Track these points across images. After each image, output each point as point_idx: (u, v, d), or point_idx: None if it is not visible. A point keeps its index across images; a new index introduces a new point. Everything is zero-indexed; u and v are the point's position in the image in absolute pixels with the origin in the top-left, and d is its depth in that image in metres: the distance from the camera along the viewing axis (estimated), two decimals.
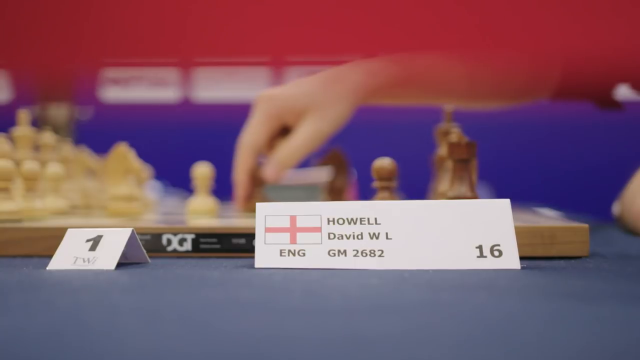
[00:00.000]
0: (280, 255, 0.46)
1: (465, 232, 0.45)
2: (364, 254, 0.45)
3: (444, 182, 0.65)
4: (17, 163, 0.61)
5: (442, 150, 0.70)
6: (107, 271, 0.44)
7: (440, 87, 0.84)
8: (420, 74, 0.83)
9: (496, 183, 1.23)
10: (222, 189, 0.86)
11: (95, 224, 0.56)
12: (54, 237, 0.52)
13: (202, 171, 0.75)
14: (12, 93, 1.76)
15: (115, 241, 0.46)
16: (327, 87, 0.78)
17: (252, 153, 0.76)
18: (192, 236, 0.53)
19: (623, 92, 0.89)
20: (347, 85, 0.78)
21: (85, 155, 0.89)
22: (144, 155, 0.84)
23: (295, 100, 0.77)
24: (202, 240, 0.53)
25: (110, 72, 1.83)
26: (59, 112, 1.34)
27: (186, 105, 1.83)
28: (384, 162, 0.55)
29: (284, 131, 0.78)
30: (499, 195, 0.60)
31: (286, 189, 0.98)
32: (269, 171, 0.75)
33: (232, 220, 0.63)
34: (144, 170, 0.89)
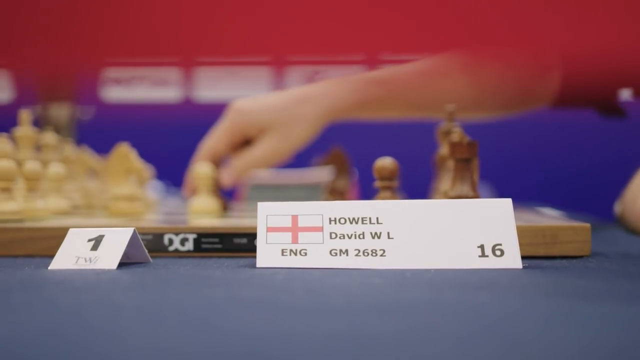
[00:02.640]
0: (282, 254, 0.46)
1: (466, 232, 0.45)
2: (366, 254, 0.45)
3: (445, 182, 0.65)
4: (19, 163, 0.61)
5: (444, 150, 0.70)
6: (109, 271, 0.44)
7: (430, 101, 0.85)
8: (404, 91, 0.84)
9: (497, 183, 1.23)
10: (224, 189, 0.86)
11: (97, 224, 0.56)
12: (56, 237, 0.52)
13: (204, 171, 0.74)
14: (14, 93, 1.76)
15: (117, 241, 0.46)
16: (294, 106, 0.80)
17: (209, 158, 0.80)
18: (194, 236, 0.53)
19: (625, 95, 0.89)
20: (315, 106, 0.80)
21: (87, 155, 0.89)
22: (145, 155, 0.84)
23: (260, 115, 0.80)
24: (203, 240, 0.53)
25: (112, 72, 1.84)
26: (61, 112, 1.34)
27: (188, 105, 1.83)
28: (385, 162, 0.55)
29: (248, 142, 0.81)
30: (501, 194, 0.60)
31: (269, 189, 0.98)
32: (225, 178, 0.80)
33: (233, 220, 0.63)
34: (146, 170, 0.89)
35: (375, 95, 0.82)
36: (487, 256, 0.45)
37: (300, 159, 1.08)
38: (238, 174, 0.80)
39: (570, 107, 0.90)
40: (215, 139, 0.81)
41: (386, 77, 0.84)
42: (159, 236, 0.53)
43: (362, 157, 0.84)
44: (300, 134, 0.80)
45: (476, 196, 0.54)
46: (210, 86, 1.85)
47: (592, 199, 1.22)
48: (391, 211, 0.47)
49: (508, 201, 0.47)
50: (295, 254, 0.46)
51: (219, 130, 0.81)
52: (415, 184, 0.87)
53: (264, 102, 0.81)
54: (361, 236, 0.46)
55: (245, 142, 0.81)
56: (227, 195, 0.85)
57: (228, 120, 0.80)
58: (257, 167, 0.81)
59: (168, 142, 1.65)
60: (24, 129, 0.68)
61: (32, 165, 0.62)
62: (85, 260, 0.46)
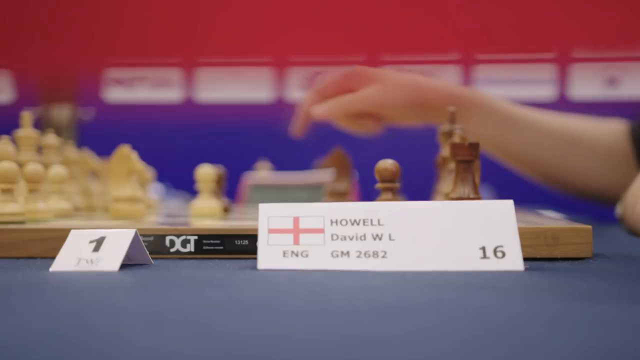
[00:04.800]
0: (284, 256, 0.46)
1: (468, 233, 0.45)
2: (367, 255, 0.45)
3: (446, 184, 0.65)
4: (20, 165, 0.61)
5: (445, 151, 0.69)
6: (111, 272, 0.44)
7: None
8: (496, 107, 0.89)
9: (499, 185, 1.23)
10: (228, 190, 0.86)
11: (98, 226, 0.56)
12: (57, 238, 0.52)
13: (206, 173, 0.74)
14: (15, 94, 1.76)
15: (118, 242, 0.46)
16: (404, 73, 0.89)
17: (316, 95, 0.86)
18: (195, 237, 0.53)
19: None
20: (422, 82, 0.88)
21: (88, 157, 0.89)
22: (146, 157, 0.84)
23: (371, 69, 0.88)
24: (205, 241, 0.53)
25: (113, 73, 1.83)
26: (62, 113, 1.34)
27: (189, 106, 1.83)
28: (387, 164, 0.55)
29: None
30: (502, 197, 0.60)
31: (270, 190, 0.98)
32: (317, 108, 0.85)
33: (235, 222, 0.63)
34: (147, 171, 0.89)
35: (468, 101, 0.87)
36: (489, 258, 0.45)
37: (302, 161, 1.08)
38: (330, 108, 0.84)
39: None
40: (327, 81, 0.86)
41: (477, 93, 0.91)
42: (160, 238, 0.53)
43: (363, 159, 0.84)
44: (399, 92, 0.85)
45: (477, 198, 0.54)
46: (211, 87, 1.85)
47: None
48: (392, 213, 0.47)
49: (510, 203, 0.46)
50: (297, 256, 0.46)
51: (334, 76, 0.87)
52: (417, 186, 0.87)
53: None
54: (362, 238, 0.46)
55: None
56: (228, 197, 0.85)
57: (344, 70, 0.87)
58: (350, 106, 0.85)
59: (169, 144, 1.65)
60: (25, 131, 0.68)
61: (33, 167, 0.62)
62: (87, 262, 0.46)
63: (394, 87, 0.86)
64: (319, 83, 0.88)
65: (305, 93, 0.89)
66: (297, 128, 0.89)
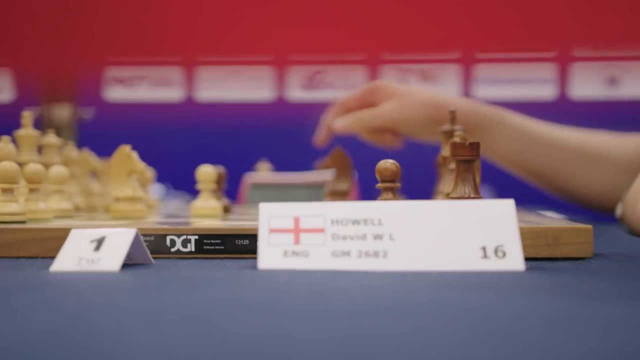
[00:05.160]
0: (284, 256, 0.46)
1: (469, 233, 0.45)
2: (368, 255, 0.45)
3: (447, 183, 0.65)
4: (21, 164, 0.61)
5: (446, 151, 0.69)
6: (111, 272, 0.44)
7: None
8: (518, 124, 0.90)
9: (499, 185, 1.23)
10: (228, 190, 0.86)
11: (99, 225, 0.56)
12: (58, 238, 0.52)
13: (206, 173, 0.74)
14: (16, 94, 1.76)
15: (119, 242, 0.46)
16: (423, 89, 0.93)
17: (339, 108, 0.92)
18: (196, 237, 0.53)
19: None
20: (441, 99, 0.89)
21: (89, 157, 0.89)
22: (146, 157, 0.84)
23: (392, 85, 0.92)
24: (205, 241, 0.53)
25: (113, 72, 1.83)
26: (62, 113, 1.34)
27: (189, 105, 1.83)
28: (387, 163, 0.55)
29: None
30: (502, 197, 0.60)
31: (270, 189, 0.98)
32: (337, 122, 0.90)
33: (235, 222, 0.63)
34: (148, 171, 0.89)
35: (488, 118, 0.88)
36: (489, 258, 0.44)
37: (302, 161, 1.08)
38: (349, 122, 0.89)
39: None
40: (350, 95, 0.91)
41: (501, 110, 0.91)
42: (160, 237, 0.53)
43: (363, 159, 0.84)
44: (417, 109, 0.87)
45: (478, 198, 0.54)
46: (212, 86, 1.85)
47: None
48: (393, 213, 0.47)
49: (510, 202, 0.46)
50: (297, 255, 0.46)
51: (356, 90, 0.91)
52: (417, 186, 0.87)
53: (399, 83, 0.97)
54: (363, 237, 0.46)
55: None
56: (228, 197, 0.85)
57: (364, 85, 0.92)
58: (367, 122, 0.89)
59: (169, 144, 1.65)
60: (26, 130, 0.68)
61: (34, 167, 0.62)
62: (88, 262, 0.45)
63: (412, 103, 0.87)
64: (342, 96, 0.92)
65: (330, 108, 0.93)
66: (319, 139, 0.93)
